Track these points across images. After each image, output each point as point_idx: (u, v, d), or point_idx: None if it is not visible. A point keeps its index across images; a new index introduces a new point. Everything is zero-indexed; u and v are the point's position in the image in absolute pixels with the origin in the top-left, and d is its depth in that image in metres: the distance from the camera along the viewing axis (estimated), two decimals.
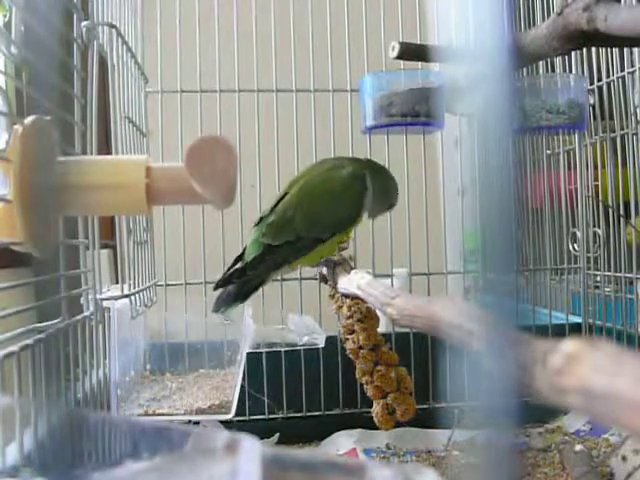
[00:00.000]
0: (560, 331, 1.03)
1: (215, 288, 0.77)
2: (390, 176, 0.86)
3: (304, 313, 0.95)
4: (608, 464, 0.81)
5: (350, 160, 0.85)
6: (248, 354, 0.88)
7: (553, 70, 1.17)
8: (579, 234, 1.12)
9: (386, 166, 0.89)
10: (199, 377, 0.91)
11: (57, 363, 0.56)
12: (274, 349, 0.98)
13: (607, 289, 1.06)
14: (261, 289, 0.96)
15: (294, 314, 0.92)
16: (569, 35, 0.60)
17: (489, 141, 0.26)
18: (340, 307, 0.83)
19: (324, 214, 0.78)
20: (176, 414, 0.76)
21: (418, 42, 0.94)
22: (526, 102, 1.03)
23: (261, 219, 0.80)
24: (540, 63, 1.17)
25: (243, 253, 0.81)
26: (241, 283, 0.77)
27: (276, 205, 0.80)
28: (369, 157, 0.92)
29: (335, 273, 0.80)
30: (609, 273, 1.06)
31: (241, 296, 0.77)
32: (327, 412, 1.00)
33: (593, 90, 1.09)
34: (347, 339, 0.81)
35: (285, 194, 0.81)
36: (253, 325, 0.86)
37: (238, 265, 0.79)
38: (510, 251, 0.25)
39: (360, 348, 0.79)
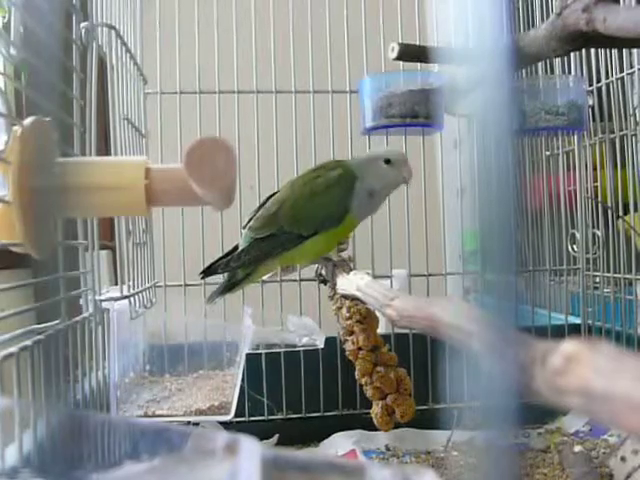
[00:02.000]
0: (559, 332, 1.03)
1: (202, 277, 0.83)
2: (375, 163, 0.81)
3: (303, 314, 0.95)
4: (607, 465, 0.81)
5: (342, 162, 0.84)
6: (247, 355, 0.88)
7: (552, 71, 1.17)
8: (578, 235, 1.12)
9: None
10: (198, 378, 0.91)
11: (56, 364, 0.56)
12: (273, 350, 0.98)
13: (606, 290, 1.06)
14: (261, 290, 0.96)
15: (293, 315, 0.92)
16: (568, 36, 0.60)
17: (488, 142, 0.26)
18: (339, 308, 0.83)
19: (306, 212, 0.80)
20: (175, 415, 0.76)
21: (417, 43, 0.94)
22: (525, 103, 1.03)
23: (251, 218, 0.83)
24: (539, 64, 1.17)
25: (236, 249, 0.83)
26: (229, 275, 0.81)
27: (265, 203, 0.83)
28: None
29: (334, 274, 0.80)
30: (608, 274, 1.05)
31: (228, 287, 0.81)
32: (326, 413, 1.00)
33: (592, 91, 1.09)
34: (346, 340, 0.81)
35: (275, 193, 0.84)
36: (252, 326, 0.86)
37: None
38: (509, 252, 0.25)
39: (359, 349, 0.79)
